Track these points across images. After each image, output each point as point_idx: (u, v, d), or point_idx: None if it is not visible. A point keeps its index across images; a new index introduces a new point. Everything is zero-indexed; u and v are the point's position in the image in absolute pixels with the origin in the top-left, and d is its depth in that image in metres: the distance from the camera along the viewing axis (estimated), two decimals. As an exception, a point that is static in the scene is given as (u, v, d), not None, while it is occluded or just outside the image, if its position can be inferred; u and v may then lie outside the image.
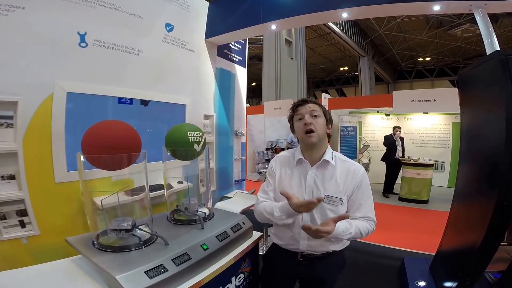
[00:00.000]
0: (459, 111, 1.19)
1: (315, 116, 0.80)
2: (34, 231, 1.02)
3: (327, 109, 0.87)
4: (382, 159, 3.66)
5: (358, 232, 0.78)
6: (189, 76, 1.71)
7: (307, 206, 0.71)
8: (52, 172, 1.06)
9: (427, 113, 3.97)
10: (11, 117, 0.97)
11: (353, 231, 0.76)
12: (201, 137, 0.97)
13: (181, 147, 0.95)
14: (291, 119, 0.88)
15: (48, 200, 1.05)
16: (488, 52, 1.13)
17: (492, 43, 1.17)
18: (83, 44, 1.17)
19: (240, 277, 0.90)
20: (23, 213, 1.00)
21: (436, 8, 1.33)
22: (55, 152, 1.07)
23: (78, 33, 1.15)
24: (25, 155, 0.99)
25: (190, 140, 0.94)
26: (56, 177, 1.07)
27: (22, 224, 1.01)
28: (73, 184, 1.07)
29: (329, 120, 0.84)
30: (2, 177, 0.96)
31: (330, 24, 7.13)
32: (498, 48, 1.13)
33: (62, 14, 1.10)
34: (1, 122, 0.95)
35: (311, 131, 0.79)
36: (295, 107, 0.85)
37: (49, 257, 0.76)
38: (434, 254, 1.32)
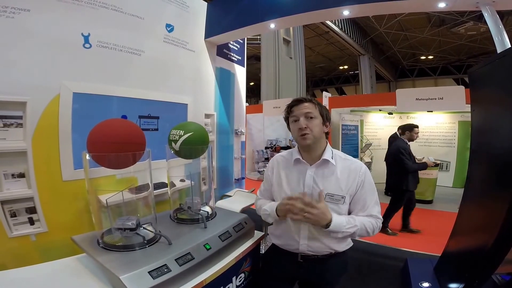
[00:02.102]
0: (466, 110, 1.16)
1: (311, 117, 0.78)
2: (42, 228, 1.04)
3: (325, 106, 0.85)
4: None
5: (363, 228, 0.75)
6: (190, 75, 1.73)
7: (291, 205, 0.71)
8: (59, 170, 1.09)
9: (432, 111, 3.91)
10: (20, 117, 1.00)
11: (358, 224, 0.74)
12: (180, 136, 0.94)
13: (169, 145, 0.96)
14: (287, 119, 0.86)
15: (56, 198, 1.08)
16: (499, 50, 1.10)
17: (502, 41, 1.14)
18: (87, 45, 1.19)
19: (240, 276, 0.90)
20: (32, 210, 1.03)
21: (442, 5, 1.30)
22: (63, 150, 1.09)
23: (82, 34, 1.17)
24: (34, 154, 1.01)
25: (170, 138, 0.94)
26: (64, 175, 1.10)
27: (31, 221, 1.03)
28: (80, 182, 1.08)
29: (326, 118, 0.82)
30: (13, 175, 0.99)
31: (329, 23, 7.09)
32: (510, 45, 1.11)
33: (65, 16, 1.12)
34: (11, 122, 0.98)
35: (306, 133, 0.78)
36: (290, 108, 0.83)
37: (56, 254, 0.77)
38: (438, 255, 1.29)
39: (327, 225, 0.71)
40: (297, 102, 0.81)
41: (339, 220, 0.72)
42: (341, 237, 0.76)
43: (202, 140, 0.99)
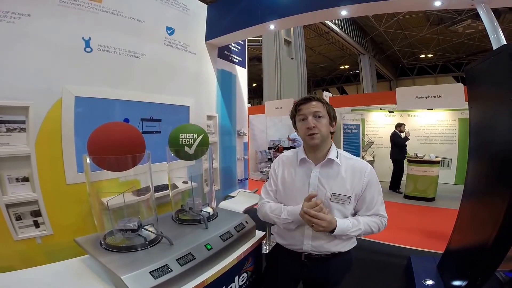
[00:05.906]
0: (465, 107, 1.16)
1: (319, 116, 0.78)
2: (47, 231, 1.05)
3: (332, 106, 0.84)
4: (394, 157, 3.62)
5: (368, 228, 0.77)
6: (192, 78, 1.74)
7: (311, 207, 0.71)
8: (63, 174, 1.09)
9: (432, 109, 3.91)
10: (23, 122, 1.01)
11: (362, 226, 0.76)
12: (194, 140, 0.94)
13: (174, 148, 0.94)
14: (293, 117, 0.85)
15: (60, 201, 1.08)
16: (494, 47, 1.11)
17: (498, 38, 1.14)
18: (88, 49, 1.20)
19: (243, 276, 0.90)
20: (37, 213, 1.04)
21: (437, 3, 1.31)
22: (66, 154, 1.10)
23: (83, 38, 1.18)
24: (37, 158, 1.02)
25: (181, 143, 0.93)
26: (67, 178, 1.11)
27: (36, 224, 1.04)
28: (84, 185, 1.07)
29: (333, 118, 0.82)
30: (17, 179, 1.00)
31: (329, 23, 7.13)
32: (505, 42, 1.11)
33: (66, 20, 1.12)
34: (14, 126, 0.99)
35: (314, 133, 0.77)
36: (298, 106, 0.82)
37: (61, 256, 0.78)
38: (441, 252, 1.29)
39: (332, 230, 0.73)
40: (305, 100, 0.80)
41: (344, 226, 0.73)
42: (346, 238, 0.78)
43: (203, 143, 0.96)
